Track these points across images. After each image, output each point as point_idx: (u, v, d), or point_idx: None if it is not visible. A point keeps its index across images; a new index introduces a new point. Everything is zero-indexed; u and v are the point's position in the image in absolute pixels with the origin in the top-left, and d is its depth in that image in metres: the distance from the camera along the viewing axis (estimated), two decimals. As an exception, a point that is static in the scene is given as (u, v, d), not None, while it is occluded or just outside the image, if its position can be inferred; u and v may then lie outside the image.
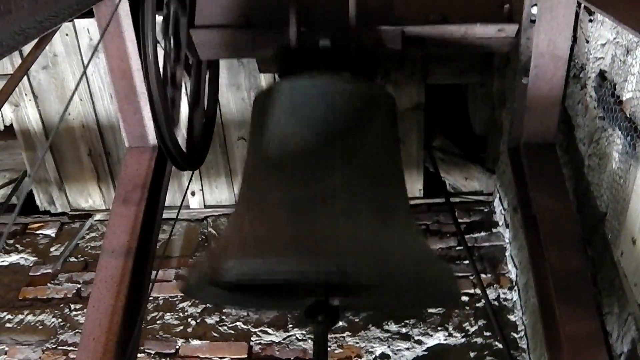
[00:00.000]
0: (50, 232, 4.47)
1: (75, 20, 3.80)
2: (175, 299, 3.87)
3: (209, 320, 3.72)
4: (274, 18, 2.49)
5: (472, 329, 3.52)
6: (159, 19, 2.23)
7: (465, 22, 2.43)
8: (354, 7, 2.32)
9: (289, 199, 2.12)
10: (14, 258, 4.28)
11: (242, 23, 2.55)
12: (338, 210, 2.06)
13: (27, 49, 2.19)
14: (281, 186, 2.17)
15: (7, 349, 3.69)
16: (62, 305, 3.91)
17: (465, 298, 3.68)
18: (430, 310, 3.57)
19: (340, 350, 3.48)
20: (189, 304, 3.82)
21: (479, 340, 3.46)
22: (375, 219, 2.10)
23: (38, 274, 4.15)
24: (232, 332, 3.64)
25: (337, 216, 2.04)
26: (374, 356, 3.44)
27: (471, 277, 3.78)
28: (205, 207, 4.49)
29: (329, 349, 3.43)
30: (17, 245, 4.36)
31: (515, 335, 3.47)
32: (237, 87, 4.02)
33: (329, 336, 3.47)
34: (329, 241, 1.95)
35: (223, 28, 2.57)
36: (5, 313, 3.89)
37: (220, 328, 3.67)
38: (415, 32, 2.45)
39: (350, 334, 3.54)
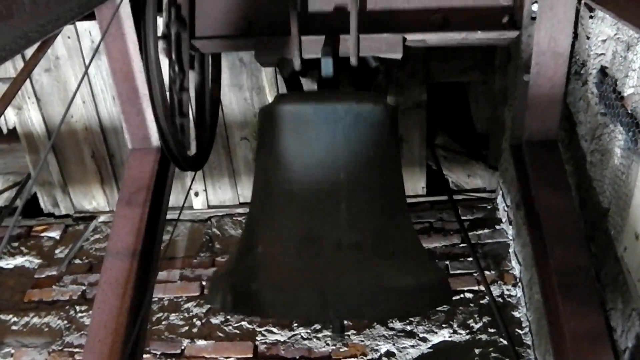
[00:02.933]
0: (55, 234, 4.48)
1: (77, 23, 3.80)
2: (180, 299, 3.88)
3: (214, 321, 3.73)
4: (275, 27, 2.50)
5: (477, 326, 3.52)
6: (160, 20, 2.24)
7: (467, 28, 2.43)
8: (355, 13, 2.32)
9: (297, 231, 2.24)
10: (19, 261, 4.29)
11: (243, 32, 2.56)
12: (344, 247, 2.18)
13: (29, 52, 2.19)
14: (289, 216, 2.28)
15: (13, 351, 3.71)
16: (67, 307, 3.92)
17: (469, 295, 3.69)
18: (436, 308, 3.58)
19: (346, 349, 3.49)
20: (194, 304, 3.83)
21: (484, 337, 3.47)
22: (380, 251, 2.21)
23: (43, 276, 4.16)
24: (238, 331, 3.65)
25: (342, 251, 2.17)
26: (379, 354, 3.45)
27: (475, 274, 3.78)
28: (209, 207, 4.50)
29: (332, 348, 3.46)
30: (22, 248, 4.37)
31: (519, 331, 3.48)
32: (239, 88, 4.02)
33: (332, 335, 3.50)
34: (335, 280, 2.11)
35: (224, 38, 2.58)
36: (10, 315, 3.90)
37: (225, 328, 3.68)
38: (416, 38, 2.46)
39: (355, 332, 3.54)
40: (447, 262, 3.90)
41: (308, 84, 2.91)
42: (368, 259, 2.16)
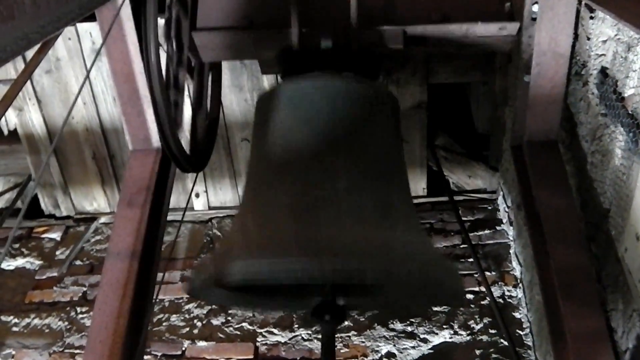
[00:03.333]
0: (56, 235, 4.48)
1: (78, 24, 3.80)
2: (181, 300, 3.88)
3: (214, 322, 3.73)
4: (275, 19, 2.49)
5: (478, 327, 3.52)
6: (161, 22, 2.24)
7: (467, 20, 2.43)
8: (355, 6, 2.32)
9: (293, 200, 2.12)
10: (19, 262, 4.29)
11: (243, 24, 2.56)
12: (342, 211, 2.06)
13: (30, 53, 2.20)
14: (285, 188, 2.16)
15: (14, 352, 3.71)
16: (68, 308, 3.92)
17: (470, 296, 3.69)
18: (435, 309, 3.58)
19: (346, 350, 3.49)
20: (195, 305, 3.83)
21: (485, 337, 3.47)
22: (380, 218, 2.10)
23: (44, 277, 4.16)
24: (238, 332, 3.65)
25: (341, 216, 2.05)
26: (379, 355, 3.45)
27: (476, 275, 3.78)
28: (210, 208, 4.50)
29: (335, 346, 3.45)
30: (23, 249, 4.37)
31: (520, 332, 3.47)
32: (239, 89, 4.02)
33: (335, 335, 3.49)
34: (333, 241, 1.95)
35: (225, 30, 2.57)
36: (11, 317, 3.90)
37: (226, 329, 3.68)
38: (416, 31, 2.46)
39: (355, 333, 3.54)
40: (448, 263, 3.90)
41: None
42: (368, 228, 2.08)
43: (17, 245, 4.39)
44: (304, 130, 2.25)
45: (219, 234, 4.35)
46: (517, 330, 3.48)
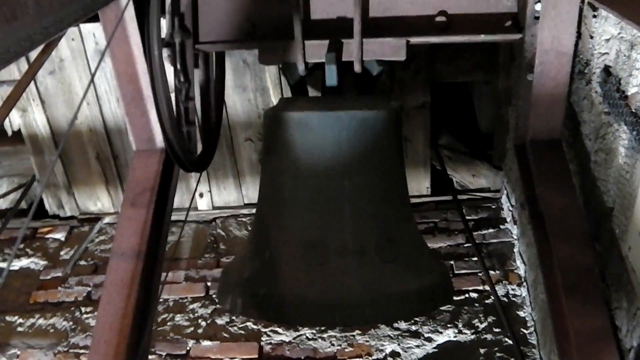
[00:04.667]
0: (60, 236, 4.49)
1: (81, 25, 3.81)
2: (185, 300, 3.88)
3: (219, 321, 3.73)
4: (278, 30, 2.50)
5: (482, 326, 3.52)
6: (164, 21, 2.24)
7: (469, 31, 2.43)
8: (359, 17, 2.32)
9: (302, 236, 2.29)
10: (24, 262, 4.30)
11: (246, 36, 2.56)
12: (348, 247, 2.23)
13: (33, 54, 2.21)
14: (295, 221, 2.34)
15: (19, 352, 3.72)
16: (72, 308, 3.93)
17: (474, 295, 3.69)
18: (440, 308, 3.58)
19: (351, 349, 3.49)
20: (199, 305, 3.84)
21: (489, 336, 3.47)
22: (384, 255, 2.26)
23: (48, 277, 4.18)
24: (243, 332, 3.66)
25: (346, 255, 2.22)
26: (384, 354, 3.45)
27: (480, 274, 3.78)
28: (214, 208, 4.51)
29: (338, 348, 3.46)
30: (27, 250, 4.38)
31: (524, 331, 3.48)
32: (243, 89, 4.03)
33: (339, 335, 3.51)
34: (340, 293, 2.18)
35: (228, 43, 2.58)
36: (16, 317, 3.91)
37: (230, 328, 3.69)
38: (419, 41, 2.46)
39: (360, 332, 3.55)
40: (452, 262, 3.90)
41: (312, 82, 2.93)
42: (372, 264, 2.19)
43: (21, 246, 4.39)
44: (309, 159, 2.33)
45: (222, 233, 4.36)
46: (522, 329, 3.49)
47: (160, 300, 3.79)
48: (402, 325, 3.56)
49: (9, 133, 4.32)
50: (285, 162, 2.35)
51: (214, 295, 3.86)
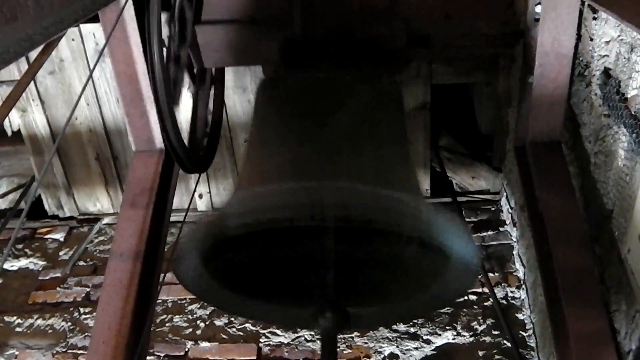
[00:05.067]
0: (59, 236, 4.49)
1: (81, 25, 3.81)
2: (184, 301, 3.88)
3: (217, 322, 3.73)
4: (278, 15, 2.49)
5: (481, 328, 3.52)
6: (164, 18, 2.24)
7: (469, 19, 2.43)
8: (358, 4, 2.32)
9: (294, 157, 2.11)
10: (23, 263, 4.30)
11: (247, 19, 2.55)
12: (343, 169, 2.04)
13: (33, 54, 2.21)
14: (284, 158, 2.15)
15: (17, 353, 3.71)
16: (71, 309, 3.93)
17: (473, 297, 3.68)
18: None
19: (349, 351, 3.49)
20: (198, 306, 3.83)
21: (488, 339, 3.46)
22: (380, 179, 2.08)
23: (47, 278, 4.17)
24: (241, 333, 3.65)
25: (341, 173, 2.02)
26: (382, 356, 3.44)
27: (479, 276, 3.78)
28: (213, 209, 4.50)
29: (337, 349, 3.44)
30: (26, 250, 4.37)
31: (523, 333, 3.47)
32: (243, 90, 4.02)
33: (337, 337, 3.48)
34: (331, 181, 1.92)
35: (228, 23, 2.57)
36: (15, 317, 3.90)
37: (229, 330, 3.68)
38: (419, 28, 2.46)
39: (358, 334, 3.54)
40: (451, 264, 3.89)
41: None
42: (366, 183, 2.04)
43: (20, 246, 4.39)
44: (304, 113, 2.24)
45: (222, 234, 4.35)
46: (520, 332, 3.48)
47: (159, 301, 3.79)
48: (401, 327, 3.56)
49: (9, 133, 4.32)
50: (278, 118, 2.29)
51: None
